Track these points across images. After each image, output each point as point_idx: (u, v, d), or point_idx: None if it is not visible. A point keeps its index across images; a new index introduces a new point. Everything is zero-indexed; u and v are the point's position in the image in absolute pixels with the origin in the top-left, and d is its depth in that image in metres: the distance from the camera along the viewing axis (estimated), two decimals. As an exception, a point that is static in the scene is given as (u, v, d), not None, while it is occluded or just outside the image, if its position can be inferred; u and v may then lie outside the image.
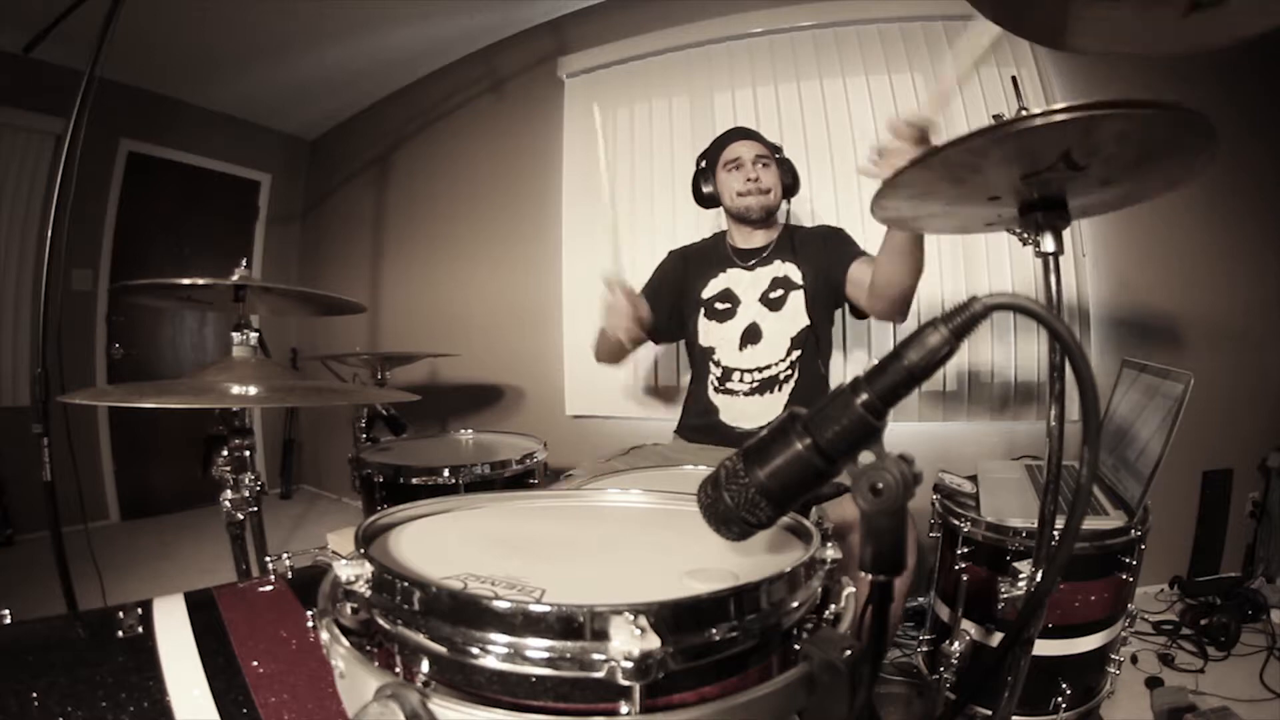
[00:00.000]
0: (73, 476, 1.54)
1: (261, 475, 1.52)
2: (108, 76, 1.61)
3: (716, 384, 1.59)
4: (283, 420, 4.00)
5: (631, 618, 0.42)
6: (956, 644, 1.21)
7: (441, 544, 0.65)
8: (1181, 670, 1.64)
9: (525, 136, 3.02)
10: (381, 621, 0.50)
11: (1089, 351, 2.02)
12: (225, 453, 1.22)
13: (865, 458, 0.44)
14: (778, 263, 1.59)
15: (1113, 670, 1.24)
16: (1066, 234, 0.84)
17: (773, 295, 1.58)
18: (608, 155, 2.72)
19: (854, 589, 0.57)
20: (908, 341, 0.46)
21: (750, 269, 1.61)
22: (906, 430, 2.25)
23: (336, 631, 0.51)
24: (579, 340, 2.84)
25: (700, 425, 1.60)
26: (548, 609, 0.44)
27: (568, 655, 0.43)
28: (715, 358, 1.60)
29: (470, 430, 2.01)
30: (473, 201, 3.23)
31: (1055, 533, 0.87)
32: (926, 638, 1.41)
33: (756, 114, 2.45)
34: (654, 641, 0.41)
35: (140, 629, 0.66)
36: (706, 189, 1.67)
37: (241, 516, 1.25)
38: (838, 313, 1.68)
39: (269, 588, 0.80)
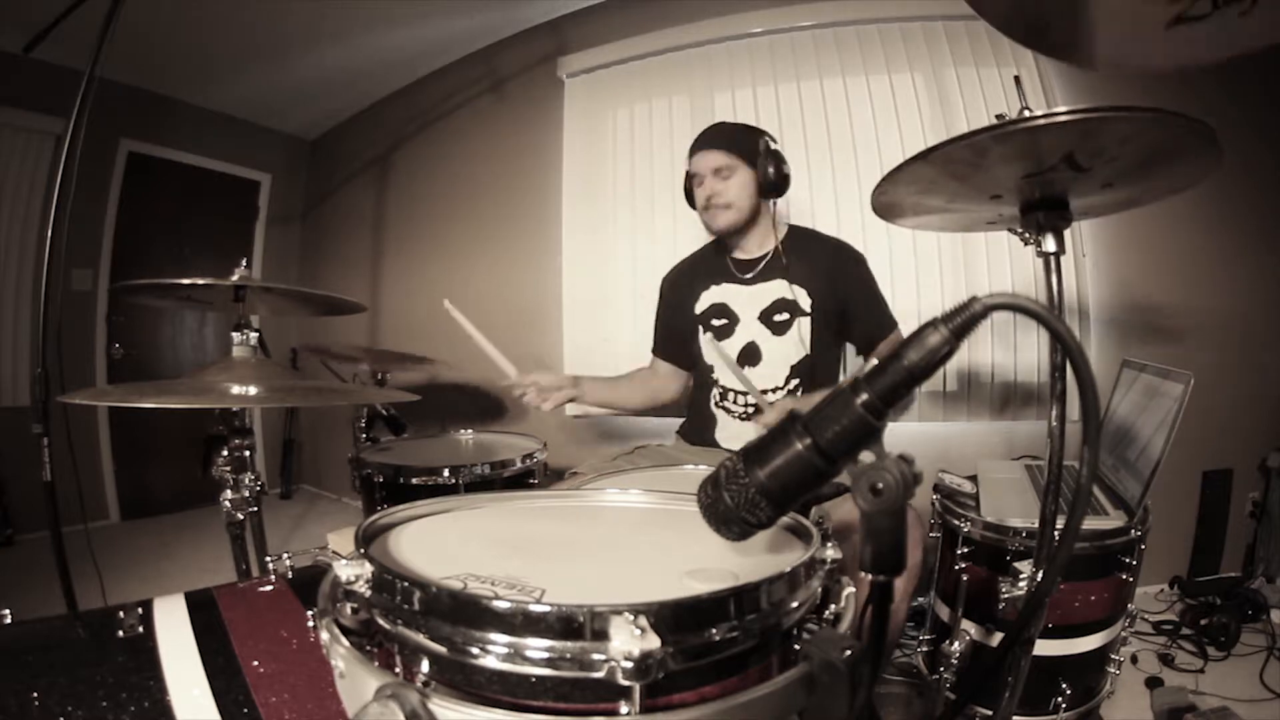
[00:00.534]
0: (73, 476, 1.54)
1: (261, 475, 1.52)
2: (108, 76, 1.61)
3: (717, 399, 1.55)
4: (283, 420, 4.00)
5: (631, 618, 0.42)
6: (956, 644, 1.21)
7: (441, 544, 0.65)
8: (1181, 670, 1.64)
9: (525, 136, 3.02)
10: (381, 621, 0.50)
11: (1089, 351, 2.02)
12: (225, 453, 1.22)
13: (865, 458, 0.44)
14: (782, 281, 1.48)
15: (1113, 670, 1.24)
16: (1066, 234, 0.85)
17: (776, 318, 1.48)
18: (608, 155, 2.73)
19: (854, 589, 0.57)
20: (908, 341, 0.46)
21: (748, 284, 1.51)
22: (906, 430, 2.25)
23: (336, 631, 0.51)
24: (579, 340, 2.84)
25: (700, 435, 1.58)
26: (548, 609, 0.44)
27: (568, 655, 0.43)
28: (714, 375, 1.55)
29: (470, 430, 2.01)
30: (473, 201, 3.23)
31: (1055, 533, 0.87)
32: (926, 638, 1.41)
33: (756, 114, 2.45)
34: (654, 641, 0.41)
35: (140, 629, 0.66)
36: (690, 193, 1.57)
37: (241, 516, 1.24)
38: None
39: (269, 588, 0.80)
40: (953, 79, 2.26)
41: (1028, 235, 0.86)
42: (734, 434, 1.52)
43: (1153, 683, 1.55)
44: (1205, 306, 2.14)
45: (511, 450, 1.70)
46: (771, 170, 1.45)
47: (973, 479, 1.48)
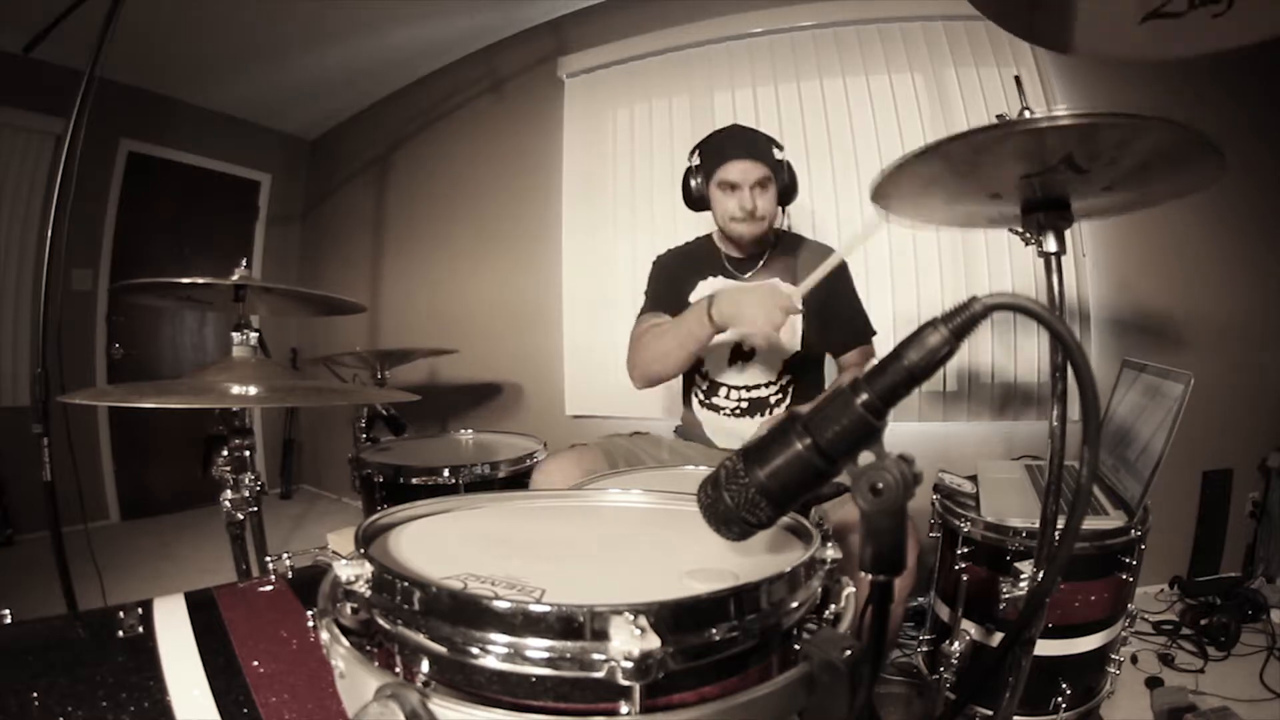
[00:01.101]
0: (73, 476, 1.54)
1: (261, 475, 1.52)
2: (108, 76, 1.61)
3: (701, 397, 1.55)
4: (283, 420, 4.00)
5: (631, 618, 0.42)
6: (956, 644, 1.21)
7: (441, 544, 0.65)
8: (1181, 670, 1.64)
9: (525, 136, 3.02)
10: (381, 621, 0.50)
11: (1089, 351, 2.02)
12: (225, 453, 1.22)
13: (865, 458, 0.44)
14: (776, 280, 1.47)
15: (1113, 670, 1.24)
16: (1067, 234, 0.85)
17: None
18: (608, 155, 2.72)
19: (854, 589, 0.57)
20: (908, 341, 0.46)
21: (744, 281, 1.52)
22: (906, 430, 2.25)
23: (336, 631, 0.51)
24: (579, 340, 2.84)
25: (690, 436, 1.58)
26: (548, 609, 0.44)
27: (568, 655, 0.42)
28: (703, 369, 1.54)
29: (470, 430, 2.02)
30: (473, 201, 3.23)
31: (1055, 533, 0.87)
32: (926, 638, 1.41)
33: (756, 114, 2.45)
34: (654, 641, 0.41)
35: (140, 629, 0.66)
36: (697, 192, 1.52)
37: (241, 516, 1.24)
38: None
39: (269, 588, 0.80)
40: (953, 79, 2.26)
41: (1028, 235, 0.86)
42: (727, 432, 1.51)
43: (1153, 683, 1.55)
44: (1205, 306, 2.14)
45: (511, 450, 1.70)
46: (788, 180, 1.48)
47: (973, 479, 1.48)
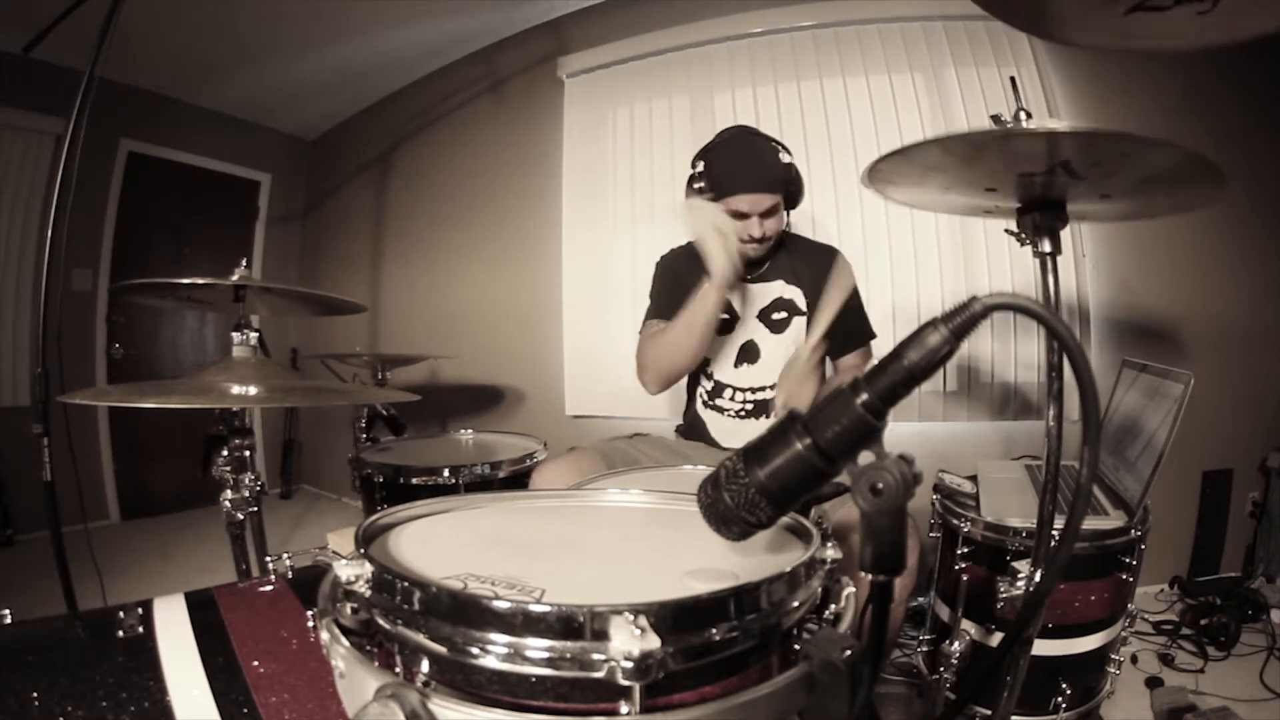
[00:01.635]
0: (73, 476, 1.54)
1: (261, 475, 1.52)
2: (108, 76, 1.61)
3: (705, 398, 1.55)
4: (283, 420, 4.00)
5: (631, 618, 0.42)
6: (956, 644, 1.21)
7: (441, 544, 0.65)
8: (1181, 670, 1.64)
9: (525, 136, 3.02)
10: (381, 621, 0.50)
11: (1089, 351, 2.02)
12: (225, 453, 1.22)
13: (865, 458, 0.44)
14: (780, 282, 1.51)
15: (1113, 670, 1.24)
16: (1067, 234, 0.85)
17: (775, 316, 1.50)
18: (608, 155, 2.72)
19: (854, 589, 0.57)
20: (908, 341, 0.46)
21: (748, 283, 1.51)
22: (906, 430, 2.25)
23: (336, 631, 0.51)
24: (579, 340, 2.84)
25: (692, 435, 1.58)
26: (548, 609, 0.44)
27: (568, 655, 0.42)
28: (708, 369, 1.54)
29: (470, 430, 2.02)
30: (473, 201, 3.23)
31: (1055, 533, 0.87)
32: (926, 638, 1.41)
33: (756, 114, 2.45)
34: (654, 641, 0.41)
35: (140, 629, 0.66)
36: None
37: (241, 516, 1.24)
38: None
39: (269, 588, 0.80)
40: (952, 79, 2.26)
41: (1024, 235, 0.86)
42: (730, 433, 1.51)
43: (1153, 683, 1.55)
44: (1205, 306, 2.14)
45: (511, 450, 1.70)
46: (794, 190, 1.48)
47: (973, 479, 1.49)
